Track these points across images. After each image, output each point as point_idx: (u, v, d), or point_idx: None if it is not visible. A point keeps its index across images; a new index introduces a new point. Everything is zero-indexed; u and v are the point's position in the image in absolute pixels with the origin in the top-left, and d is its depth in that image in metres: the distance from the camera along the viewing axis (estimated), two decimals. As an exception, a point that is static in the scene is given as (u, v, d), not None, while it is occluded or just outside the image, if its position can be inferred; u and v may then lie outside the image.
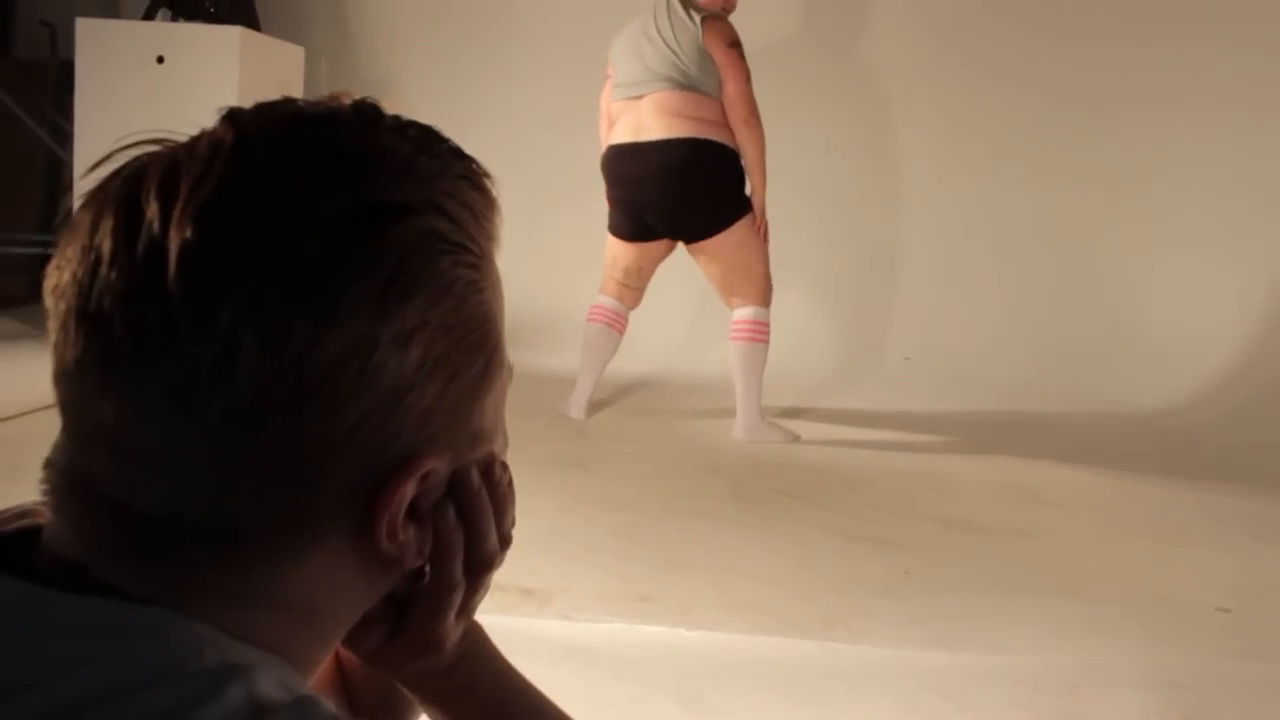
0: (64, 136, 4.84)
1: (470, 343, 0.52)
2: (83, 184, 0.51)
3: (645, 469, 3.17)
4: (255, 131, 0.49)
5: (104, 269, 0.46)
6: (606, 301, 3.72)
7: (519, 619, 1.96)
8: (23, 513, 0.55)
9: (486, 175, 0.54)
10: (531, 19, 4.93)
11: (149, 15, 3.44)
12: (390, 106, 0.53)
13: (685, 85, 3.45)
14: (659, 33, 3.50)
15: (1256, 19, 4.41)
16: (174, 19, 3.55)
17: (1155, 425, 4.04)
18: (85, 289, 0.47)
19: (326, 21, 5.03)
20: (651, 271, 3.71)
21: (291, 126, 0.50)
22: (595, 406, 3.81)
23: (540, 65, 4.86)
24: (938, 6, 4.71)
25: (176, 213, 0.46)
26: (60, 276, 0.48)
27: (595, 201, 3.72)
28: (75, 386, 0.48)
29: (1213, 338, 4.41)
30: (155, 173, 0.48)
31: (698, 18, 3.48)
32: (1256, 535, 2.85)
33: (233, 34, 3.17)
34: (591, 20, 4.61)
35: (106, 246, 0.46)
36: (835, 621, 2.07)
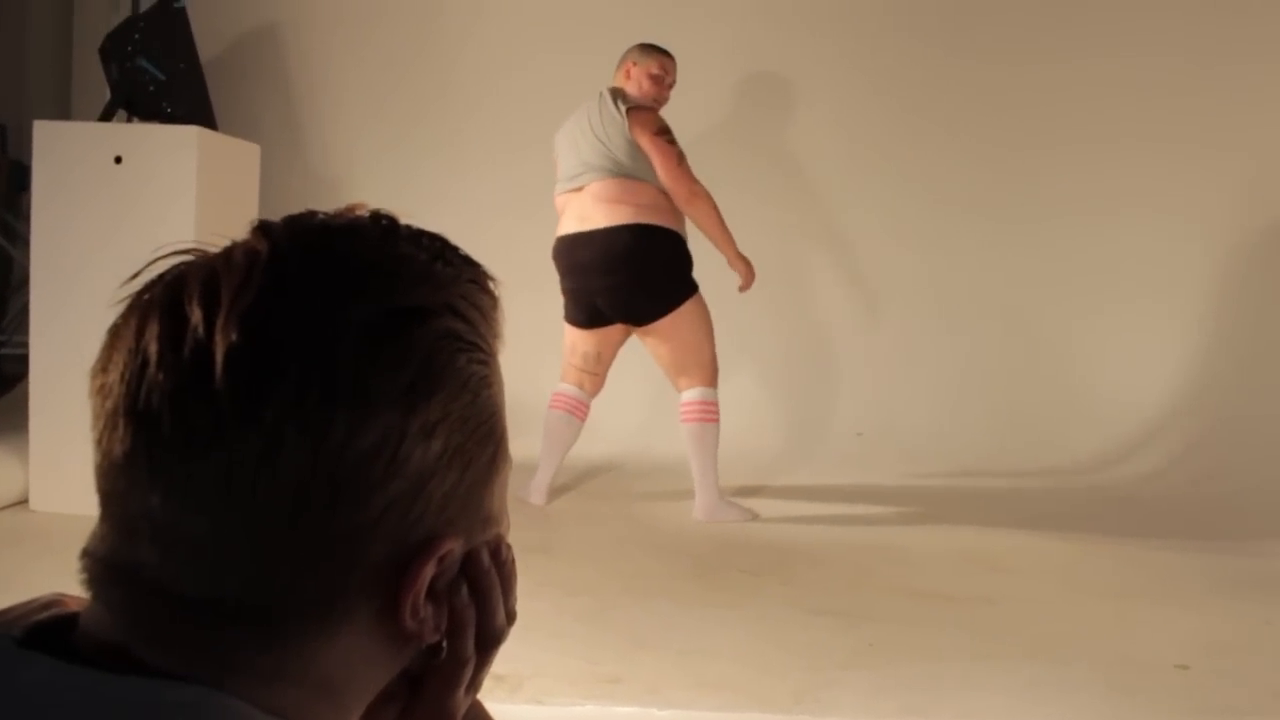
0: (14, 235, 4.84)
1: (482, 433, 0.57)
2: (120, 291, 0.55)
3: (608, 552, 3.19)
4: (288, 243, 0.53)
5: (151, 370, 0.50)
6: (568, 389, 3.75)
7: (492, 705, 1.94)
8: (49, 603, 0.58)
9: (492, 278, 0.59)
10: (476, 112, 5.02)
11: (106, 116, 3.47)
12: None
13: (619, 173, 3.54)
14: (591, 127, 3.60)
15: (1199, 101, 4.62)
16: (129, 119, 3.59)
17: (1105, 489, 4.14)
18: (133, 388, 0.51)
19: (277, 118, 5.09)
20: (612, 356, 3.76)
21: (321, 238, 0.55)
22: (555, 492, 3.83)
23: (488, 155, 4.94)
24: (874, 90, 4.88)
25: (221, 318, 0.50)
26: (107, 377, 0.52)
27: (549, 287, 3.77)
28: (123, 478, 0.51)
29: (1157, 403, 4.53)
30: (195, 281, 0.52)
31: (623, 109, 3.57)
32: (1209, 591, 2.93)
33: (190, 134, 3.21)
34: (538, 111, 4.70)
35: (153, 349, 0.50)
36: (803, 695, 2.09)
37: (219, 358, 0.49)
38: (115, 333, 0.53)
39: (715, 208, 3.57)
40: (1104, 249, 4.73)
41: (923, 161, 4.85)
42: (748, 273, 3.69)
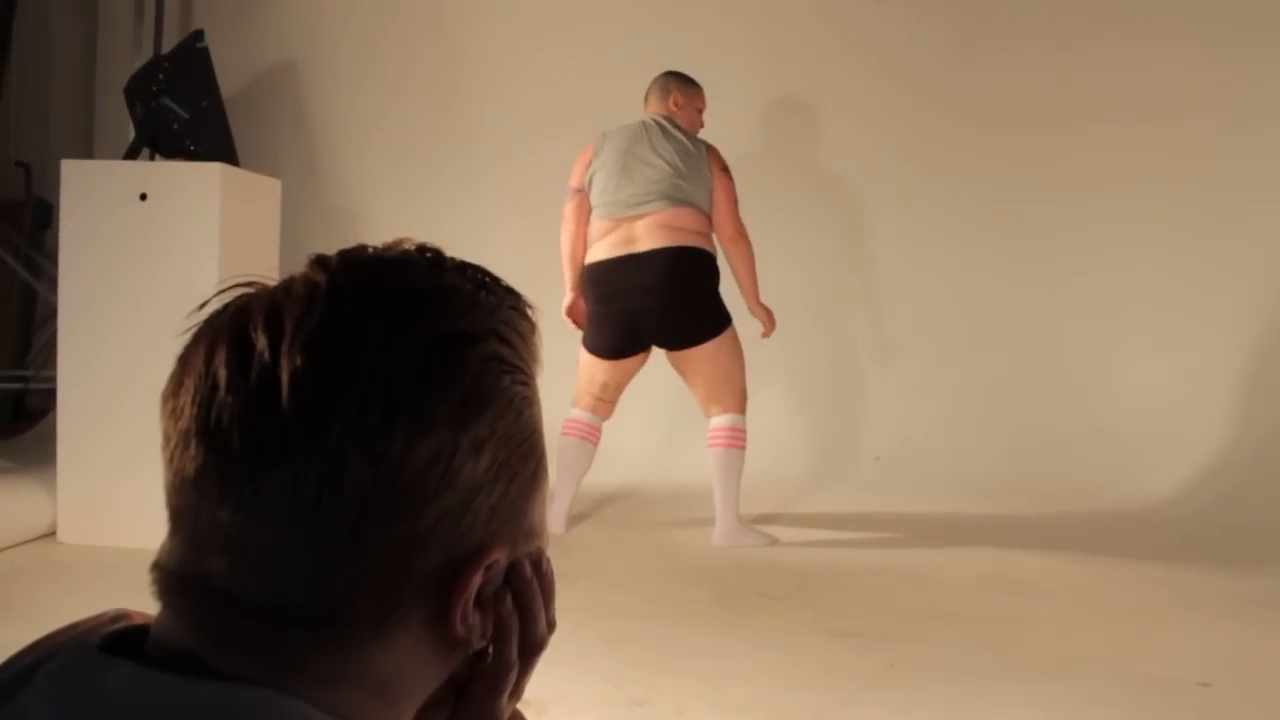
0: (39, 271, 4.92)
1: (525, 449, 0.61)
2: (186, 321, 0.59)
3: (630, 578, 3.21)
4: (344, 274, 0.58)
5: (221, 392, 0.54)
6: (580, 415, 3.78)
7: (518, 728, 1.98)
8: (117, 616, 0.62)
9: (530, 306, 0.63)
10: (494, 144, 5.07)
11: (131, 155, 3.54)
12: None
13: (683, 201, 3.63)
14: (658, 154, 3.67)
15: (1202, 113, 4.64)
16: (153, 157, 3.66)
17: (1125, 513, 4.13)
18: (204, 410, 0.54)
19: (297, 153, 5.16)
20: (627, 384, 3.80)
21: (374, 269, 0.59)
22: (574, 519, 3.85)
23: (506, 187, 5.00)
24: (892, 116, 4.90)
25: (285, 344, 0.54)
26: (178, 400, 0.56)
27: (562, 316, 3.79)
28: (194, 494, 0.55)
29: (1177, 426, 4.52)
30: (259, 310, 0.56)
31: (702, 145, 3.72)
32: (1231, 611, 2.93)
33: (214, 170, 3.27)
34: (557, 148, 4.76)
35: (222, 374, 0.54)
36: (826, 716, 2.11)
37: (284, 380, 0.53)
38: (185, 359, 0.57)
39: (753, 253, 3.75)
40: (1120, 271, 4.73)
41: (940, 187, 4.87)
42: (769, 320, 3.84)
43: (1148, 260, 4.70)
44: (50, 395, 3.91)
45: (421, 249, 0.61)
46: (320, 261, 0.58)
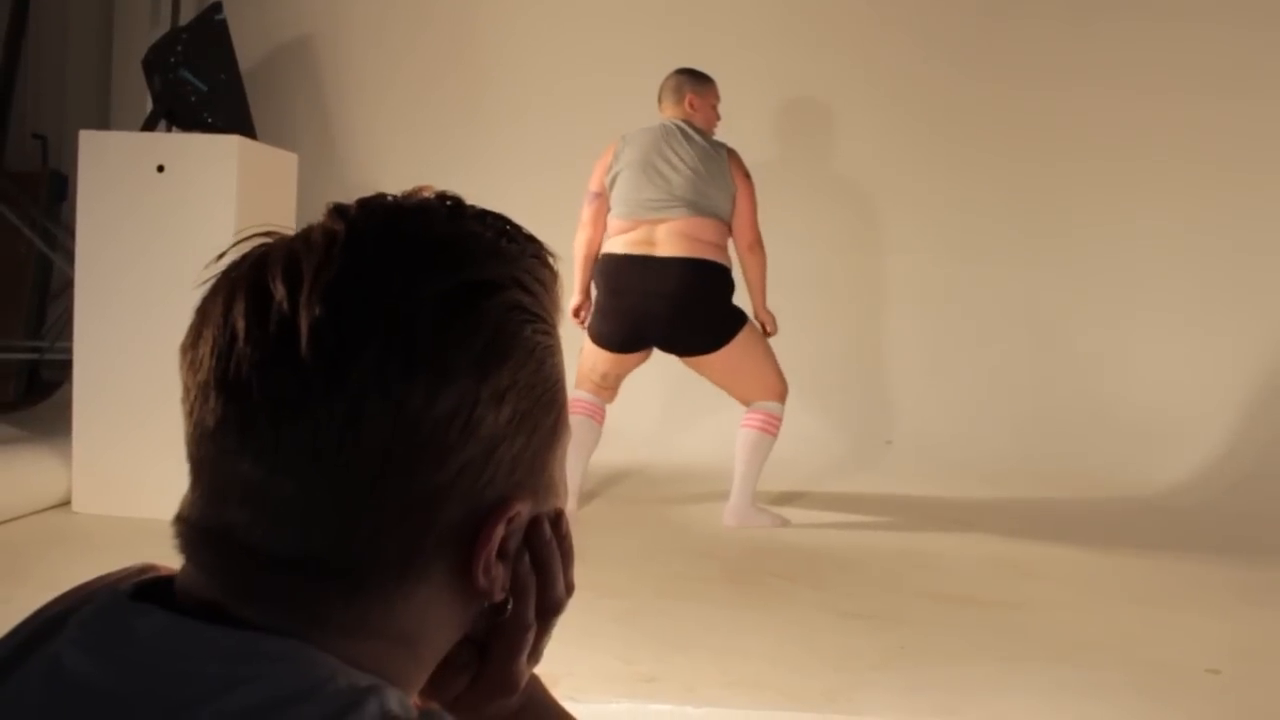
0: (54, 243, 4.93)
1: (546, 400, 0.60)
2: (205, 273, 0.58)
3: (640, 556, 3.21)
4: (364, 223, 0.57)
5: (240, 343, 0.53)
6: (584, 395, 3.74)
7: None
8: (144, 568, 0.61)
9: (552, 255, 0.62)
10: (510, 121, 5.07)
11: (148, 126, 3.54)
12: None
13: (705, 210, 3.59)
14: (680, 159, 3.62)
15: (1223, 109, 4.60)
16: (169, 129, 3.66)
17: (1134, 498, 4.12)
18: (223, 361, 0.54)
19: (314, 127, 5.16)
20: (626, 376, 3.79)
21: (394, 218, 0.58)
22: (584, 497, 3.85)
23: (521, 164, 4.98)
24: (906, 105, 4.89)
25: (304, 294, 0.53)
26: (197, 352, 0.55)
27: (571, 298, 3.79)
28: (215, 446, 0.55)
29: (1188, 414, 4.51)
30: (277, 260, 0.55)
31: (723, 150, 3.67)
32: (1242, 599, 2.92)
33: (231, 143, 3.27)
34: (571, 123, 4.76)
35: (241, 324, 0.54)
36: (836, 695, 2.11)
37: (304, 331, 0.52)
38: (203, 311, 0.56)
39: (766, 262, 3.73)
40: (1133, 258, 4.71)
41: (952, 172, 4.86)
42: (772, 324, 3.80)
43: (1162, 247, 4.68)
44: (65, 366, 3.92)
45: (441, 197, 0.60)
46: (339, 210, 0.57)
